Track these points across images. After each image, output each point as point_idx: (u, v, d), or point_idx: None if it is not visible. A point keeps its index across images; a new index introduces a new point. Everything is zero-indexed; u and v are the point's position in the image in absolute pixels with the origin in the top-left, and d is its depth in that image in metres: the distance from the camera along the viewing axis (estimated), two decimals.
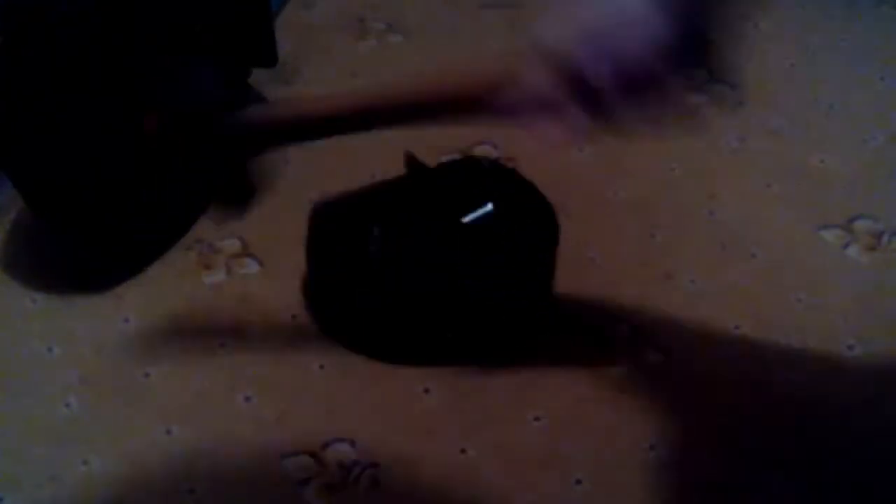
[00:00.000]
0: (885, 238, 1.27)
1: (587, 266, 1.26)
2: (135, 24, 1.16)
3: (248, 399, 1.14)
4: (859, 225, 1.29)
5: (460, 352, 1.17)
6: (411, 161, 1.16)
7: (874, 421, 1.10)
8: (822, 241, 1.28)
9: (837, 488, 1.05)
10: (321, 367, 1.17)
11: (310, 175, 1.38)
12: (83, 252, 1.29)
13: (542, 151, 1.38)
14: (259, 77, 1.49)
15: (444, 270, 1.15)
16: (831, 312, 1.20)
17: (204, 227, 1.32)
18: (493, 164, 1.30)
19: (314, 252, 1.20)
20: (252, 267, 1.27)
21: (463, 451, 1.09)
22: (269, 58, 1.45)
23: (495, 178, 1.24)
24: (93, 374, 1.16)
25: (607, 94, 0.82)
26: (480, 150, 1.40)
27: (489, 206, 1.12)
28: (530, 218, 1.20)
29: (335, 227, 1.20)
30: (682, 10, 0.80)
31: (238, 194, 1.40)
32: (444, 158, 1.28)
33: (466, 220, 1.11)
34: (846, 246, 1.27)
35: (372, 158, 1.40)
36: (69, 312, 1.22)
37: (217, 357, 1.18)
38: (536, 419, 1.11)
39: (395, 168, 1.35)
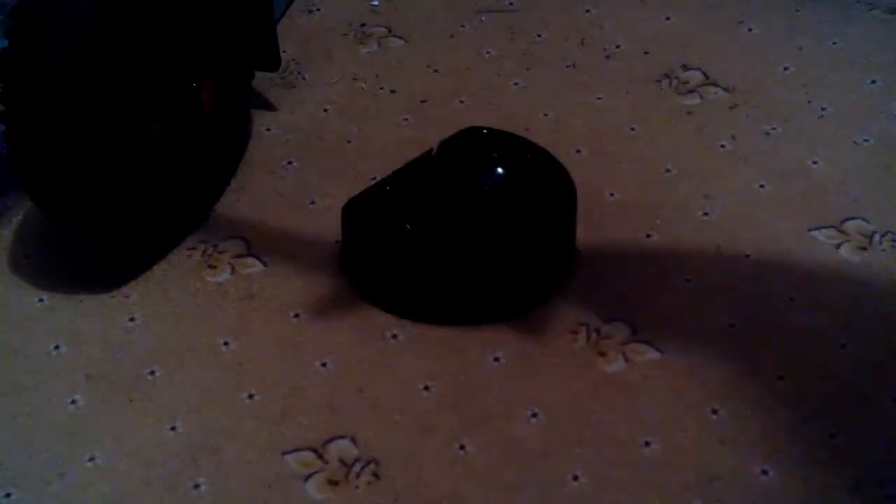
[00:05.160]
0: (876, 238, 1.28)
1: (583, 265, 1.27)
2: (138, 26, 1.18)
3: (251, 396, 1.15)
4: (851, 225, 1.30)
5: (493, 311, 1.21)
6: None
7: (869, 418, 1.11)
8: (814, 240, 1.29)
9: (834, 484, 1.06)
10: (323, 364, 1.18)
11: (311, 176, 1.40)
12: (90, 252, 1.31)
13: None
14: (262, 80, 1.51)
15: (471, 236, 1.20)
16: (824, 311, 1.21)
17: (208, 228, 1.33)
18: (494, 131, 1.30)
19: (355, 235, 1.24)
20: (255, 267, 1.29)
21: (462, 447, 1.10)
22: (272, 61, 1.46)
23: (501, 143, 1.27)
24: (99, 371, 1.18)
25: None
26: None
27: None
28: (545, 176, 1.24)
29: (370, 219, 1.24)
30: None
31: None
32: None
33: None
34: (838, 246, 1.28)
35: (372, 159, 1.42)
36: (76, 311, 1.24)
37: (221, 355, 1.19)
38: (534, 415, 1.12)
39: (393, 169, 1.37)
